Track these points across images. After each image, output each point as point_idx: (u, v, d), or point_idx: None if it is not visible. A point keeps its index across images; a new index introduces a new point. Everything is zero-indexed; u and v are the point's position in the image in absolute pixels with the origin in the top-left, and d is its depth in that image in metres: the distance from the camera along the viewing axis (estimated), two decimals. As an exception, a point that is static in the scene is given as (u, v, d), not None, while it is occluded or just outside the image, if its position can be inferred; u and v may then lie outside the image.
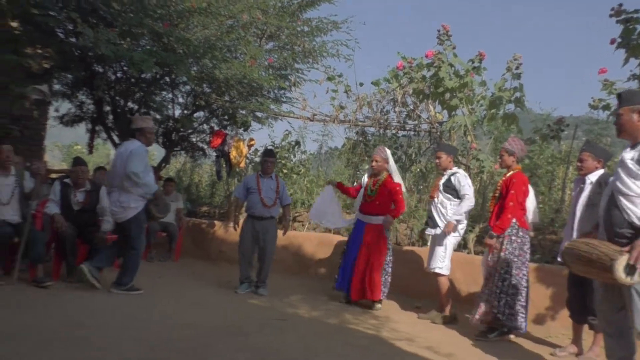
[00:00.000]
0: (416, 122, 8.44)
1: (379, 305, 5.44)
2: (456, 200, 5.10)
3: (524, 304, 4.44)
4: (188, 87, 9.19)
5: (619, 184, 2.96)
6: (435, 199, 5.20)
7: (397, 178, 5.67)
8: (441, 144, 5.52)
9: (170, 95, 9.44)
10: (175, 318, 4.20)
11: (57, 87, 9.00)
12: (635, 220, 2.86)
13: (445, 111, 7.28)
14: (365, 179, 5.81)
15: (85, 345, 3.20)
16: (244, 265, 5.74)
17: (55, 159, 20.10)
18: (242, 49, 8.13)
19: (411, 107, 8.29)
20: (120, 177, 4.99)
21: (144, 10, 7.11)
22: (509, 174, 4.61)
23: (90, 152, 10.53)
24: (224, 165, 8.91)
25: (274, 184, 5.81)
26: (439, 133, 8.00)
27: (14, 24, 8.12)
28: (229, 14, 7.81)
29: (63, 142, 22.89)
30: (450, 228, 5.01)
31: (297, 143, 9.66)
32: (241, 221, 5.96)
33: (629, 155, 2.99)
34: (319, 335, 4.13)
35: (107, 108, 9.11)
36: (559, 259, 4.25)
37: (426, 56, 6.87)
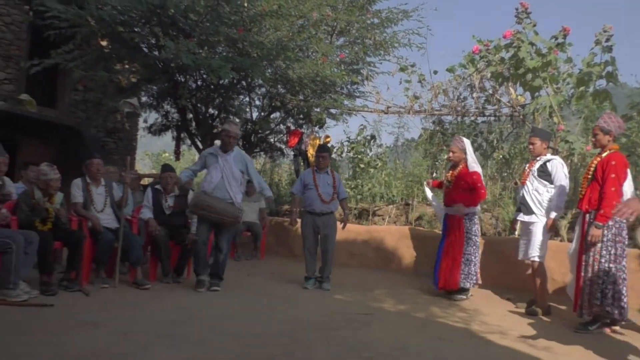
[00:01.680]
0: (496, 106, 8.09)
1: (459, 296, 5.31)
2: (552, 186, 4.83)
3: (625, 293, 4.12)
4: (264, 89, 9.42)
5: None
6: (529, 185, 4.95)
7: (476, 167, 5.48)
8: (535, 130, 5.22)
9: (247, 99, 9.74)
10: (267, 314, 4.32)
11: (144, 99, 9.58)
12: None
13: (527, 93, 6.92)
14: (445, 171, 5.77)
15: (187, 342, 3.38)
16: (310, 261, 5.77)
17: (145, 167, 21.39)
18: (313, 47, 8.21)
19: (490, 91, 7.96)
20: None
21: (219, 18, 7.37)
22: (604, 155, 4.28)
23: (177, 158, 11.13)
24: (302, 164, 9.05)
25: (330, 179, 5.80)
26: (521, 116, 7.61)
27: (104, 43, 8.73)
28: (299, 13, 7.91)
29: (152, 150, 24.34)
30: (551, 225, 4.78)
31: (373, 137, 9.60)
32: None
33: None
34: (407, 329, 4.08)
35: (190, 115, 9.55)
36: None
37: (504, 37, 6.56)
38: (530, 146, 5.04)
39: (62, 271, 5.08)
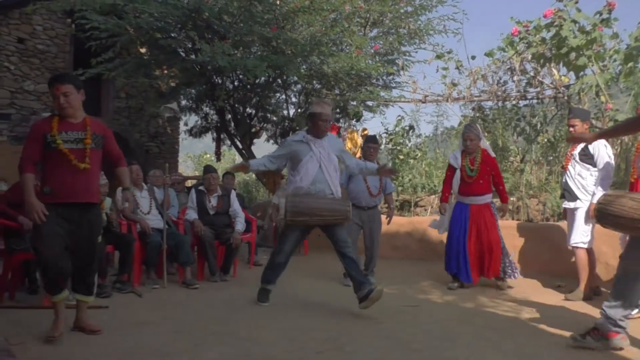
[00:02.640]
0: (538, 89, 7.84)
1: (503, 283, 5.20)
2: (595, 169, 4.62)
3: None
4: (299, 86, 9.45)
5: None
6: (571, 170, 4.76)
7: (491, 152, 5.39)
8: (574, 110, 4.96)
9: (283, 97, 9.80)
10: (314, 309, 4.36)
11: (184, 102, 9.80)
12: None
13: (571, 73, 6.68)
14: (458, 160, 5.33)
15: (237, 338, 3.45)
16: None
17: (188, 169, 21.86)
18: (347, 40, 8.18)
19: (531, 73, 7.72)
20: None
21: (253, 18, 7.44)
22: None
23: (218, 159, 11.34)
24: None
25: None
26: (566, 97, 7.35)
27: (143, 50, 8.97)
28: (331, 7, 7.88)
29: (194, 152, 24.85)
30: (593, 210, 4.56)
31: (411, 127, 9.50)
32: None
33: None
34: (455, 320, 4.03)
35: (228, 116, 9.69)
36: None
37: (544, 16, 6.36)
38: (571, 129, 4.76)
39: (114, 274, 5.26)
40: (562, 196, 4.96)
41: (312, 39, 7.71)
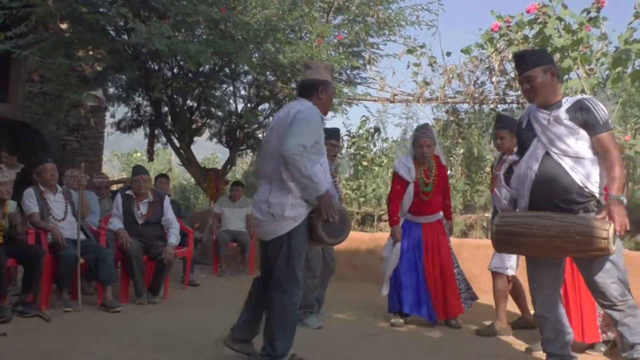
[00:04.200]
0: (519, 92, 8.08)
1: (457, 322, 4.94)
2: None
3: None
4: (250, 77, 9.39)
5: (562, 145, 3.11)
6: (498, 192, 4.21)
7: (444, 159, 5.30)
8: (502, 119, 4.79)
9: (231, 88, 9.70)
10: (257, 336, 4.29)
11: (111, 90, 9.53)
12: (590, 186, 3.06)
13: (555, 76, 6.91)
14: (411, 171, 4.91)
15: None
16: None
17: (114, 169, 21.37)
18: (307, 27, 8.18)
19: (512, 74, 7.95)
20: (275, 158, 3.36)
21: (198, -5, 7.31)
22: None
23: (151, 159, 11.10)
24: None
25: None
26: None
27: (64, 26, 8.67)
28: (290, -12, 7.87)
29: (122, 150, 24.32)
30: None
31: (377, 129, 9.61)
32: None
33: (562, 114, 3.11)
34: (419, 352, 4.05)
35: (165, 109, 9.52)
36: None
37: (527, 12, 6.58)
38: (498, 140, 4.57)
39: (16, 294, 5.04)
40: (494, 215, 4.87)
41: (266, 24, 7.67)
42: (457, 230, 7.79)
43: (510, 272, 4.63)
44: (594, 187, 3.09)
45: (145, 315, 5.00)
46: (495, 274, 4.65)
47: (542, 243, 3.06)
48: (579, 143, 3.09)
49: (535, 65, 3.20)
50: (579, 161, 3.08)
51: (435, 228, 5.03)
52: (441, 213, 5.14)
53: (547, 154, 3.15)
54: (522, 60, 3.29)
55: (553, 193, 3.10)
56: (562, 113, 3.12)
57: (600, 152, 3.07)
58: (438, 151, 5.15)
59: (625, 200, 3.02)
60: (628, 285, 3.13)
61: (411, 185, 4.92)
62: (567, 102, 3.18)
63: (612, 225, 2.91)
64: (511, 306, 4.80)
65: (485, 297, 5.27)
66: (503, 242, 3.24)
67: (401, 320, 4.94)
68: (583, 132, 3.09)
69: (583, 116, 3.08)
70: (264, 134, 10.16)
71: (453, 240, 5.50)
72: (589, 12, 6.26)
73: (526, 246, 3.16)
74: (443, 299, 4.90)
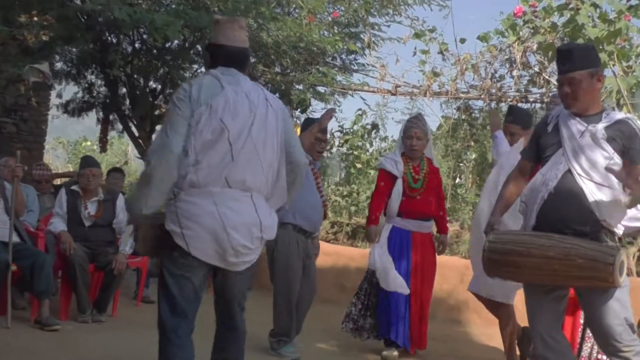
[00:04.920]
0: (543, 89, 8.14)
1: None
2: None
3: None
4: (226, 57, 9.33)
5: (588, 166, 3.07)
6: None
7: (436, 162, 5.45)
8: (515, 111, 5.01)
9: (202, 69, 9.65)
10: None
11: (59, 65, 9.44)
12: (609, 219, 3.05)
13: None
14: (399, 165, 5.03)
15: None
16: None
17: (59, 159, 21.17)
18: (296, 1, 8.16)
19: (536, 68, 8.01)
20: (269, 165, 3.06)
21: (167, -43, 7.29)
22: None
23: (103, 149, 11.01)
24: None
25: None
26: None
27: (4, -14, 8.57)
28: (277, -46, 7.86)
29: (69, 137, 24.10)
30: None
31: (375, 126, 9.62)
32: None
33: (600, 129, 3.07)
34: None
35: (123, 90, 9.45)
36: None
37: (557, -5, 6.61)
38: (508, 137, 4.69)
39: None
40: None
41: (248, -5, 7.66)
42: (465, 250, 7.80)
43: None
44: (613, 221, 3.07)
45: (89, 336, 4.97)
46: (498, 304, 4.64)
47: (539, 265, 3.03)
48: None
49: (582, 67, 3.09)
50: (602, 189, 3.05)
51: (425, 241, 5.13)
52: (432, 223, 5.22)
53: (568, 171, 3.11)
54: (568, 58, 3.15)
55: (564, 218, 3.07)
56: (600, 131, 3.07)
57: (629, 181, 2.96)
58: (430, 153, 5.29)
59: None
60: (634, 328, 3.12)
61: (399, 182, 5.02)
62: (607, 118, 3.13)
63: (621, 253, 2.90)
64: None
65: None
66: (495, 262, 3.20)
67: (395, 353, 4.94)
68: (617, 159, 3.04)
69: (624, 142, 3.05)
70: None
71: (460, 262, 5.54)
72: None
73: (521, 268, 3.12)
74: (419, 326, 5.02)
